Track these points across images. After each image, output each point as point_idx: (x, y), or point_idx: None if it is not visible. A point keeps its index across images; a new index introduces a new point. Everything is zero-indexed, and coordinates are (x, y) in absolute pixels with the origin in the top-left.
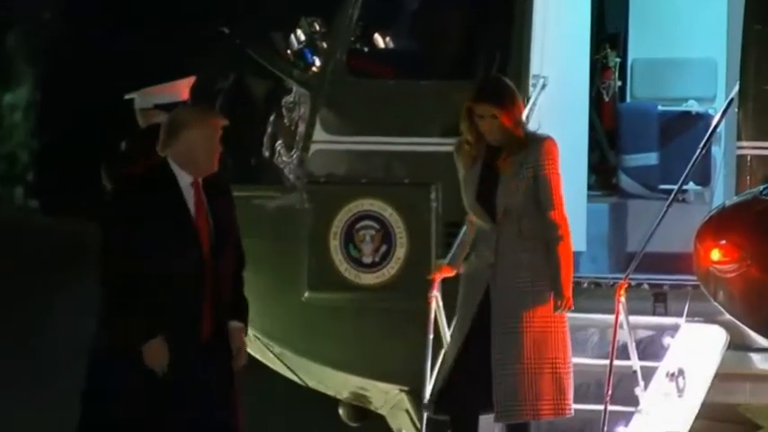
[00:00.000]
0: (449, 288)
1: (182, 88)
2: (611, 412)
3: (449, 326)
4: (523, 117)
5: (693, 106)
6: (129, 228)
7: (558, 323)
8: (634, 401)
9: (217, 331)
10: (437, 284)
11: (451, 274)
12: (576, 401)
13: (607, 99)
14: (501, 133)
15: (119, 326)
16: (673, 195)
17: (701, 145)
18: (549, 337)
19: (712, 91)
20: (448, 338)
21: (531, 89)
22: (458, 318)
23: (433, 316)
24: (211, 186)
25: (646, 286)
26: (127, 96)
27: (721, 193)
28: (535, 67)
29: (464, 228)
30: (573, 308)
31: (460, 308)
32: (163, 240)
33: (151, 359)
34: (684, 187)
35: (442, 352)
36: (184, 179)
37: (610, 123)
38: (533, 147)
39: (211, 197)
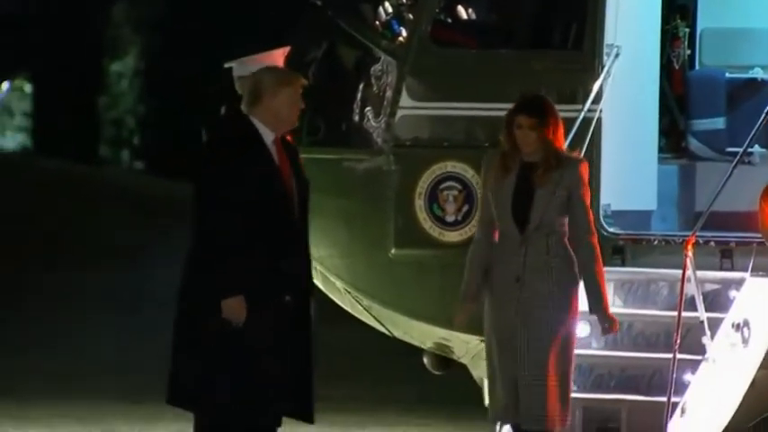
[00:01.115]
0: None
1: (277, 57)
2: (680, 360)
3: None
4: (562, 138)
5: (759, 73)
6: (225, 185)
7: (572, 340)
8: (701, 350)
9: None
10: None
11: (474, 306)
12: (646, 350)
13: (677, 67)
14: (537, 146)
15: (213, 278)
16: (738, 157)
17: (766, 110)
18: (566, 352)
19: None
20: None
21: (605, 58)
22: (493, 338)
23: None
24: (286, 144)
25: (713, 243)
26: (226, 65)
27: None
28: (609, 36)
29: (472, 252)
30: (618, 330)
31: (493, 330)
32: (257, 195)
33: (229, 311)
34: (750, 150)
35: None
36: (268, 137)
37: (679, 90)
38: (570, 167)
39: (289, 153)
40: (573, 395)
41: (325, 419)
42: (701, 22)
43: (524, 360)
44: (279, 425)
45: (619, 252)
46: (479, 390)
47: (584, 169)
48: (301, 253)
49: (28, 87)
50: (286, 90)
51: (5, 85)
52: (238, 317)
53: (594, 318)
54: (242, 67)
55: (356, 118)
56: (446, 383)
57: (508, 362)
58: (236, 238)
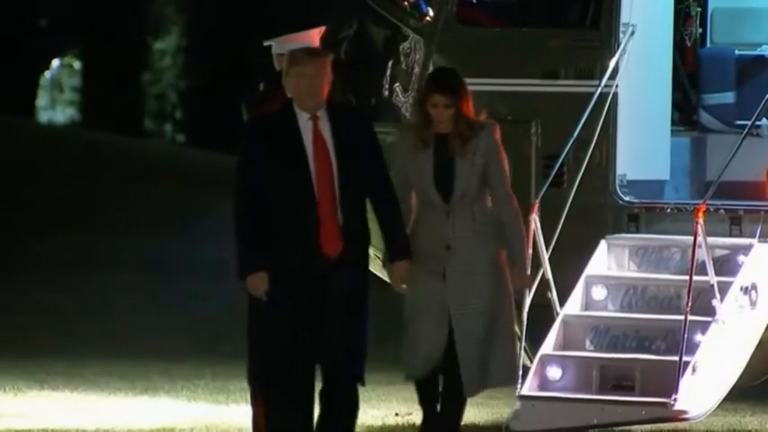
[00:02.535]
0: (545, 212)
1: (313, 36)
2: (691, 321)
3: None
4: (472, 106)
5: (766, 51)
6: (250, 161)
7: (508, 302)
8: (711, 312)
9: (343, 260)
10: (536, 208)
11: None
12: (659, 312)
13: (689, 44)
14: (453, 122)
15: (238, 253)
16: (747, 130)
17: None
18: (501, 316)
19: None
20: (546, 256)
21: (621, 36)
22: (419, 304)
23: (532, 236)
24: (344, 118)
25: (723, 211)
26: (265, 43)
27: None
28: (625, 15)
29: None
30: (530, 286)
31: (420, 296)
32: (276, 174)
33: (251, 287)
34: (758, 123)
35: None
36: (302, 114)
37: (691, 66)
38: (485, 133)
39: (341, 128)
40: (590, 354)
41: None
42: (712, 2)
43: (458, 326)
44: (306, 384)
45: (634, 219)
46: None
47: (498, 133)
48: (315, 223)
49: (77, 64)
50: (295, 69)
51: (56, 62)
52: (259, 292)
53: (611, 282)
54: (280, 46)
55: (385, 93)
56: None
57: (434, 327)
58: (252, 218)
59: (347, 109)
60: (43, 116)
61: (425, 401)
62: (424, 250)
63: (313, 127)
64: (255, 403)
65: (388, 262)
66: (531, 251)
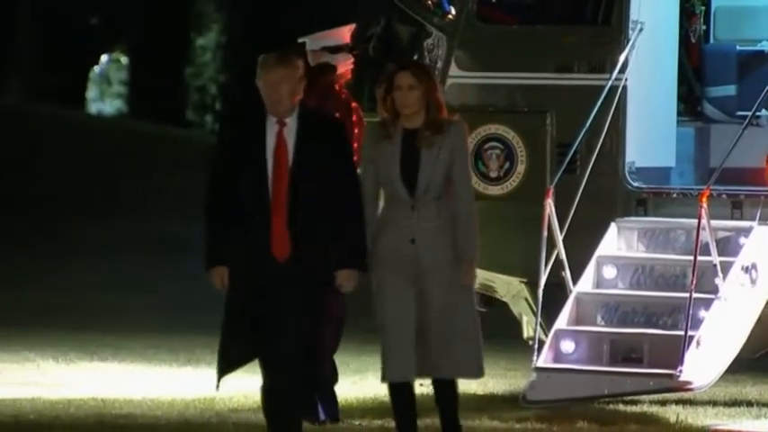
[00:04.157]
0: (559, 197)
1: (344, 33)
2: (696, 298)
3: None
4: (442, 103)
5: (766, 46)
6: (219, 158)
7: (469, 297)
8: (714, 290)
9: (295, 264)
10: (551, 193)
11: None
12: (665, 290)
13: (694, 41)
14: (418, 108)
15: (205, 246)
16: (748, 120)
17: None
18: (463, 311)
19: None
20: (560, 238)
21: (630, 32)
22: (389, 300)
23: (547, 219)
24: (315, 126)
25: (725, 195)
26: (300, 40)
27: None
28: (634, 13)
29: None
30: (474, 283)
31: (389, 292)
32: (236, 173)
33: (212, 280)
34: (758, 114)
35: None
36: (271, 119)
37: (696, 61)
38: (452, 130)
39: (309, 136)
40: (601, 329)
41: (364, 349)
42: (715, 1)
43: (429, 322)
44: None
45: (642, 204)
46: (518, 324)
47: (466, 130)
48: (266, 227)
49: (124, 59)
50: (263, 75)
51: (104, 57)
52: (218, 285)
53: (621, 261)
54: (313, 42)
55: None
56: (488, 319)
57: (406, 323)
58: (218, 214)
59: (321, 118)
60: (93, 107)
61: (399, 409)
62: (390, 247)
63: (278, 132)
64: None
65: (339, 267)
66: (545, 234)
